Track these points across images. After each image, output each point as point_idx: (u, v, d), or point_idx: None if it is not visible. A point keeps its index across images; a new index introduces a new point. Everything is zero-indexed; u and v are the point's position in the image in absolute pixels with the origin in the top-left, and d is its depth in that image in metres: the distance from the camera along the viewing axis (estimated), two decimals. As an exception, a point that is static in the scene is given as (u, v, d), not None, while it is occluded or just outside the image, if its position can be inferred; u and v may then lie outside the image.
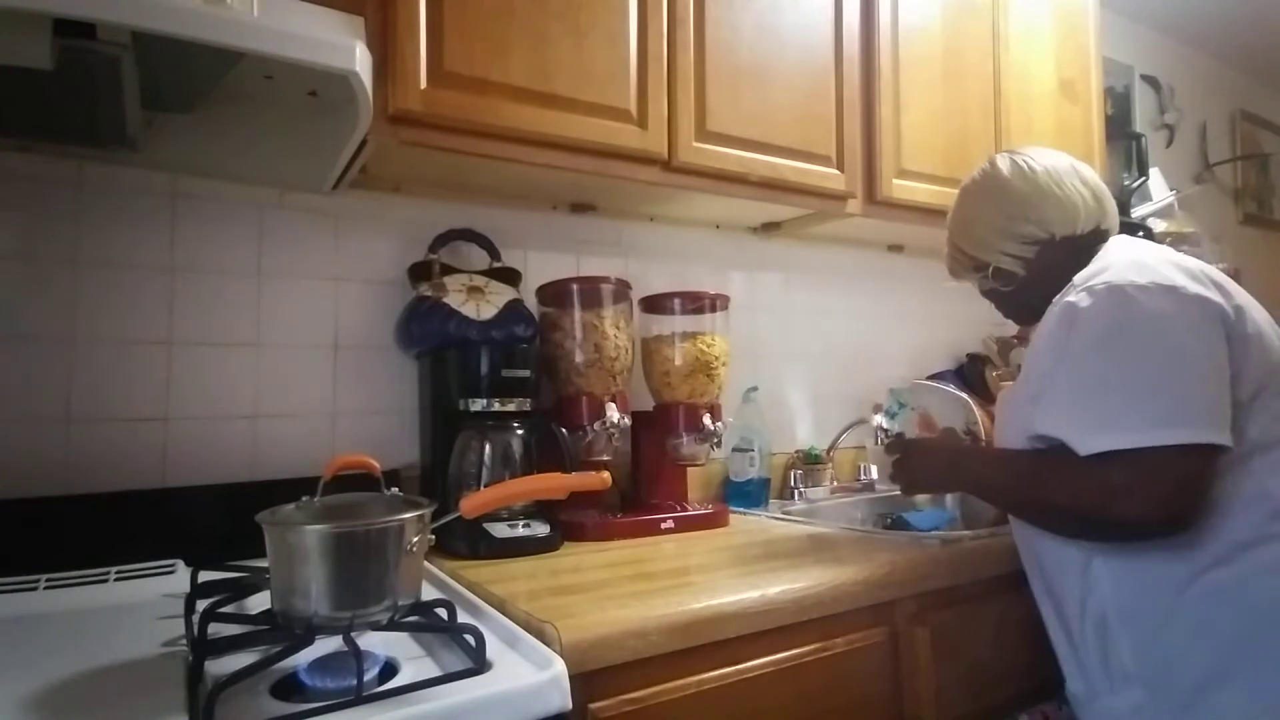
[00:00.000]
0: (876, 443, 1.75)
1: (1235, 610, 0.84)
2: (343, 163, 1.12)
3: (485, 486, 1.02)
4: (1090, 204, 1.04)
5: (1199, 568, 0.85)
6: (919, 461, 1.09)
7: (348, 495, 0.82)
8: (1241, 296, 0.91)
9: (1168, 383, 0.81)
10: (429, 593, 0.84)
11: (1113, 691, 0.92)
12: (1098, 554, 0.91)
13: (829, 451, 1.76)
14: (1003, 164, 1.08)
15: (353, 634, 0.67)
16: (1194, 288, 0.86)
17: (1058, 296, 0.96)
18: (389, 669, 0.70)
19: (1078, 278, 0.95)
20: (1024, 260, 1.05)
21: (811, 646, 0.92)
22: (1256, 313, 0.91)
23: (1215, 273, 0.92)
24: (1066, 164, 1.07)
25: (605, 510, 1.34)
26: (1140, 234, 1.12)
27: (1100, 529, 0.86)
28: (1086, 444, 0.83)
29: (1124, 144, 2.54)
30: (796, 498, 1.67)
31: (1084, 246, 1.02)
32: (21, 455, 1.04)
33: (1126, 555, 0.89)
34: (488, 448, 1.17)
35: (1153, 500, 0.79)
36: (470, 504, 0.78)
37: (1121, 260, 0.93)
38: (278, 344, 1.23)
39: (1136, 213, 2.09)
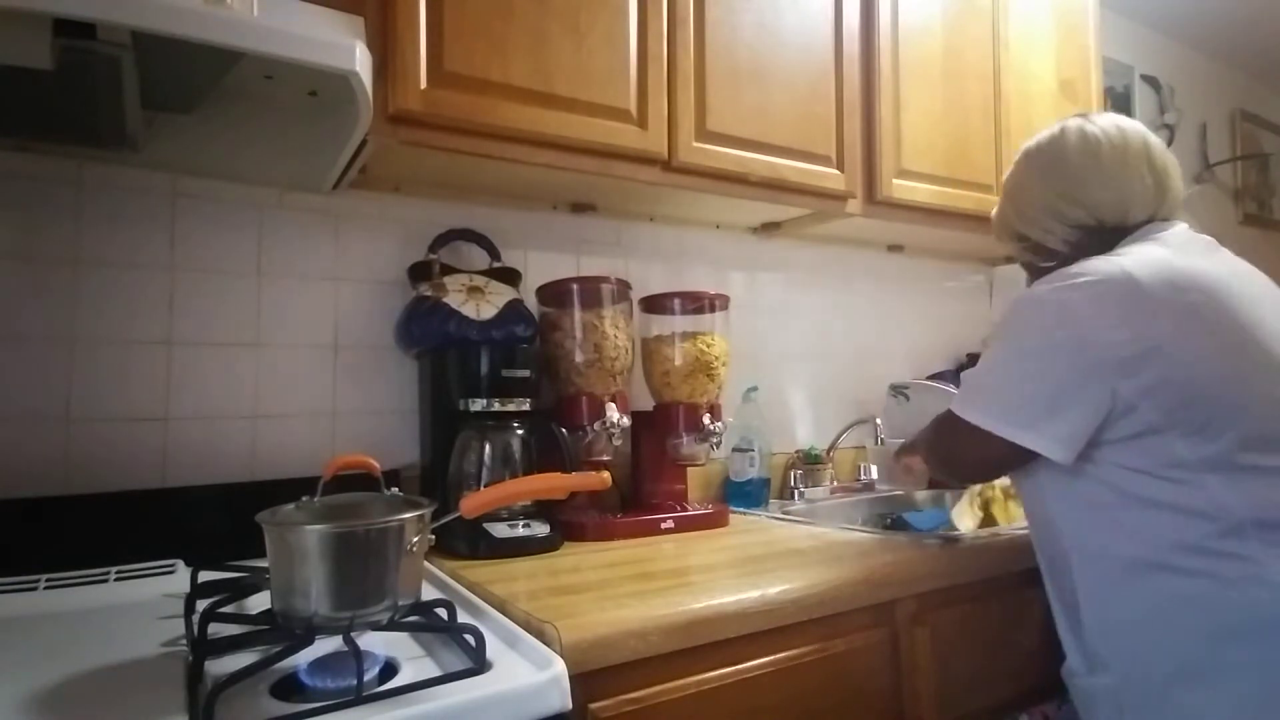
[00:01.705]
0: (876, 443, 1.76)
1: (1195, 617, 0.85)
2: (343, 163, 1.12)
3: (485, 486, 1.02)
4: (1149, 192, 0.97)
5: (1151, 565, 0.87)
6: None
7: (348, 495, 0.82)
8: (1197, 297, 0.87)
9: (1021, 386, 0.91)
10: (429, 593, 0.84)
11: (1091, 673, 0.95)
12: (1066, 537, 0.95)
13: (829, 451, 1.76)
14: (1071, 132, 1.02)
15: (353, 634, 0.67)
16: (1092, 310, 0.86)
17: None
18: (389, 669, 0.70)
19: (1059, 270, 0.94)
20: (1067, 242, 1.01)
21: (811, 646, 0.92)
22: (1231, 317, 0.86)
23: (1182, 279, 0.87)
24: (1140, 143, 0.99)
25: (605, 510, 1.34)
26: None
27: (940, 467, 1.11)
28: (957, 408, 0.97)
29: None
30: (796, 498, 1.67)
31: (1128, 235, 0.97)
32: (21, 455, 1.05)
33: (1087, 538, 0.93)
34: (488, 448, 1.17)
35: (972, 466, 1.04)
36: (470, 504, 0.78)
37: (1087, 265, 0.91)
38: (278, 344, 1.23)
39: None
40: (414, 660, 0.73)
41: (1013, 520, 1.40)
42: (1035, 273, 1.09)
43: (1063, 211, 1.00)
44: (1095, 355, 0.85)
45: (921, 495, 1.71)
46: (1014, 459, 0.93)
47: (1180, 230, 0.96)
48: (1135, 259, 0.90)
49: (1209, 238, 0.98)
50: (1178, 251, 0.92)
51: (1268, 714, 0.81)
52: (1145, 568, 0.87)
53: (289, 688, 0.67)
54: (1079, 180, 0.99)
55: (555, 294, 1.33)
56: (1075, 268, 0.91)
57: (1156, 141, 1.01)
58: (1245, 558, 0.82)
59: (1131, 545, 0.88)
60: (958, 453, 1.01)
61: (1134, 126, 1.01)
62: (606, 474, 0.86)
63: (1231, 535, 0.83)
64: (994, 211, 1.15)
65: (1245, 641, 0.82)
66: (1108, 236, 0.98)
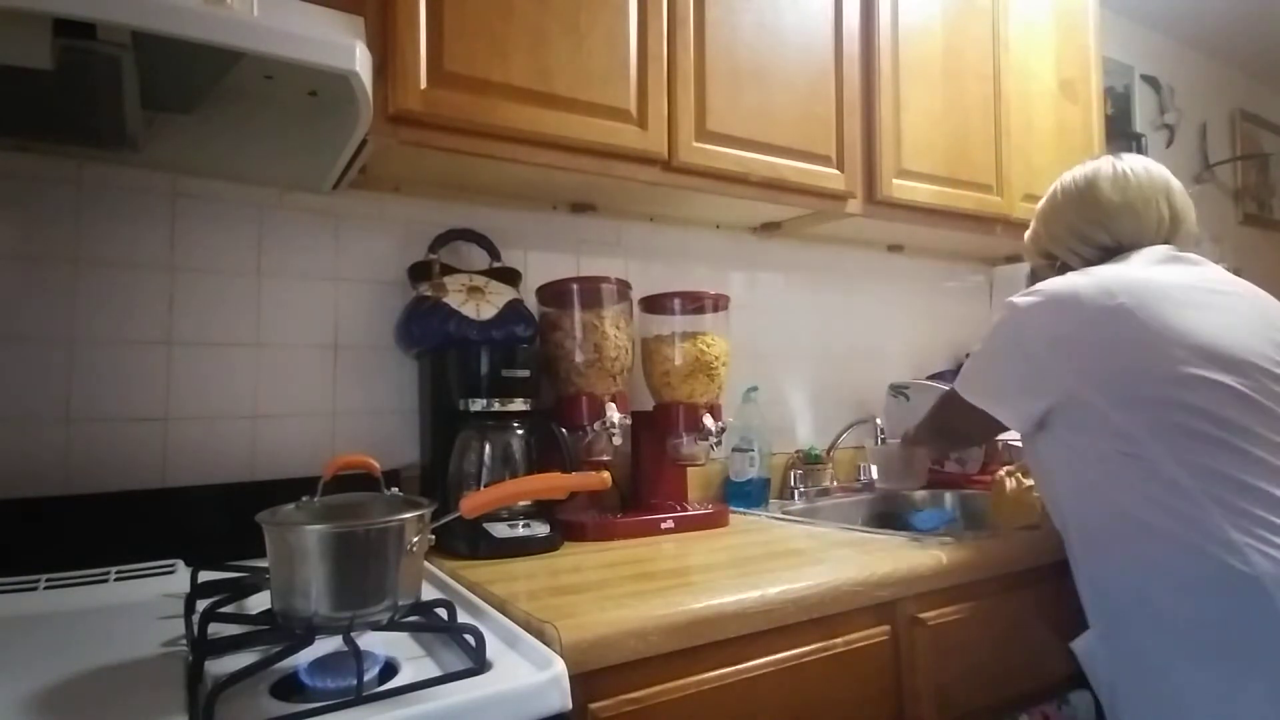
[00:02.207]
0: (877, 442, 1.76)
1: (1161, 570, 0.93)
2: (343, 163, 1.12)
3: (485, 486, 1.02)
4: (1164, 225, 1.11)
5: (1121, 526, 0.97)
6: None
7: (348, 495, 0.82)
8: (1129, 299, 0.98)
9: (985, 362, 1.11)
10: (429, 593, 0.84)
11: (1085, 631, 1.07)
12: (1061, 509, 1.08)
13: (829, 451, 1.76)
14: (1105, 169, 1.15)
15: (353, 634, 0.67)
16: (1050, 311, 1.01)
17: None
18: (389, 669, 0.70)
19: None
20: (1086, 260, 1.14)
21: (811, 646, 0.91)
22: (1147, 313, 0.96)
23: (1118, 286, 0.99)
24: (1163, 183, 1.13)
25: (605, 510, 1.34)
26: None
27: (936, 436, 1.33)
28: (956, 385, 1.15)
29: (1124, 144, 2.54)
30: (796, 498, 1.67)
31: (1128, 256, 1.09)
32: (21, 455, 1.05)
33: (1071, 507, 1.05)
34: (488, 448, 1.17)
35: (963, 430, 1.27)
36: (470, 504, 0.78)
37: (1064, 278, 1.06)
38: (278, 344, 1.23)
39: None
40: (414, 660, 0.73)
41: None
42: None
43: (1088, 235, 1.14)
44: (1031, 353, 1.03)
45: (921, 495, 1.71)
46: (991, 427, 1.14)
47: (1161, 249, 1.08)
48: (1096, 274, 1.04)
49: (1193, 255, 1.08)
50: (1143, 265, 1.05)
51: (1227, 663, 0.88)
52: (1116, 530, 0.98)
53: (289, 688, 0.67)
54: (1107, 210, 1.12)
55: (555, 294, 1.33)
56: (1041, 284, 1.06)
57: (1179, 186, 1.15)
58: (1199, 519, 0.90)
59: (1100, 509, 1.00)
60: (953, 421, 1.24)
61: (1160, 169, 1.15)
62: (606, 474, 0.86)
63: (1180, 496, 0.91)
64: (1026, 234, 1.28)
65: (1205, 595, 0.89)
66: (1120, 256, 1.10)
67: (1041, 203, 1.24)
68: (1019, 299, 1.06)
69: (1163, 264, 1.05)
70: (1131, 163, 1.15)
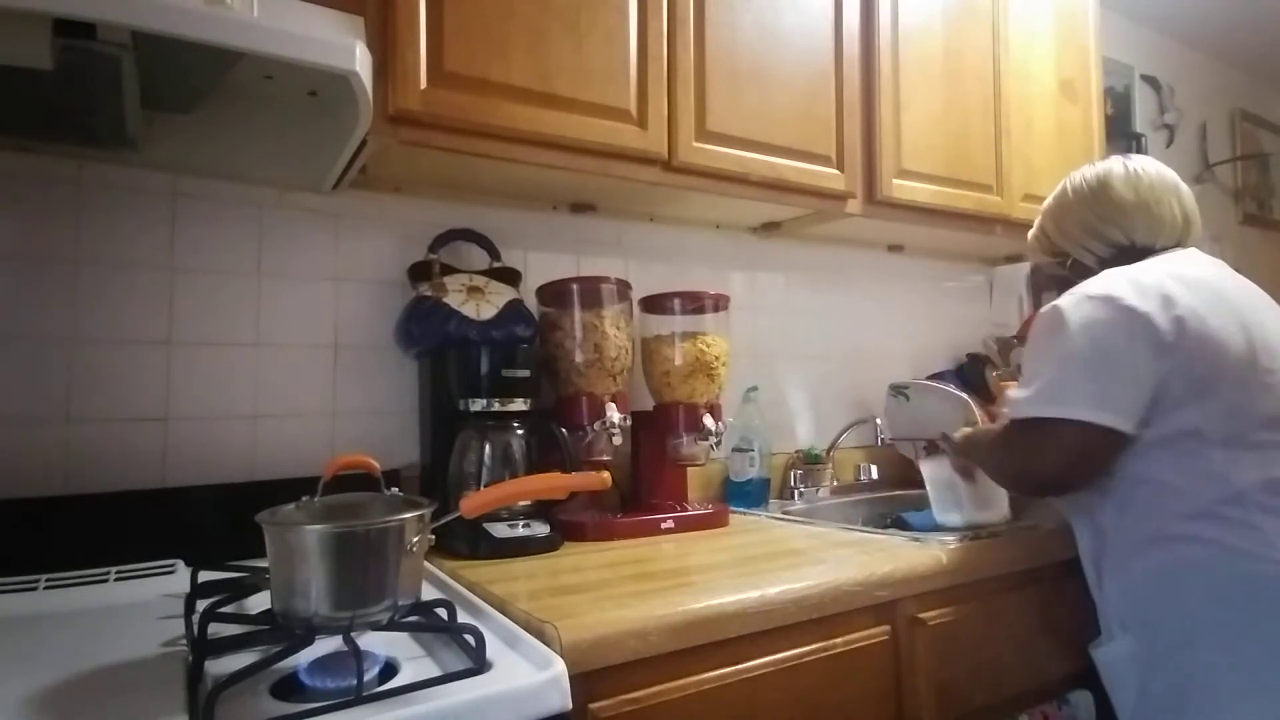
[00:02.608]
0: (877, 443, 1.76)
1: (1205, 579, 0.93)
2: (343, 163, 1.12)
3: (485, 486, 1.02)
4: (1177, 224, 1.12)
5: (1161, 535, 0.96)
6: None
7: (348, 495, 0.82)
8: (1199, 306, 0.97)
9: (1070, 372, 0.98)
10: (429, 593, 0.84)
11: (1113, 639, 1.03)
12: (1097, 515, 1.04)
13: (829, 451, 1.76)
14: (1116, 168, 1.15)
15: (353, 634, 0.67)
16: (1130, 301, 0.97)
17: None
18: (389, 669, 0.70)
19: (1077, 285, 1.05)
20: (1100, 259, 1.14)
21: (811, 646, 0.92)
22: (1201, 321, 0.96)
23: (1178, 285, 0.99)
24: (1173, 181, 1.14)
25: (605, 510, 1.34)
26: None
27: (1020, 481, 1.09)
28: (1017, 412, 1.02)
29: (1124, 144, 2.54)
30: (796, 498, 1.67)
31: (1148, 256, 1.09)
32: (21, 455, 1.04)
33: (1113, 517, 1.01)
34: (488, 448, 1.17)
35: (1052, 461, 0.99)
36: (470, 504, 0.78)
37: (1112, 274, 1.04)
38: (278, 344, 1.23)
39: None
40: (414, 660, 0.73)
41: None
42: (1067, 285, 1.18)
43: (1101, 233, 1.14)
44: (1140, 342, 0.96)
45: (921, 495, 1.70)
46: (1092, 444, 0.97)
47: (1193, 251, 1.11)
48: (1152, 273, 1.02)
49: (1217, 259, 1.11)
50: (1187, 265, 1.06)
51: (1270, 673, 0.88)
52: (1156, 540, 0.96)
53: (289, 688, 0.67)
54: (1119, 207, 1.12)
55: (555, 294, 1.33)
56: (1103, 280, 1.03)
57: (1186, 187, 1.16)
58: (1246, 524, 0.91)
59: (1143, 522, 0.98)
60: (1034, 457, 1.01)
61: (1168, 170, 1.16)
62: (606, 474, 0.86)
63: (1234, 503, 0.92)
64: (1030, 233, 1.27)
65: (1248, 603, 0.90)
66: (1136, 255, 1.10)
67: (1049, 201, 1.24)
68: (1083, 293, 1.02)
69: (1202, 266, 1.06)
70: (1141, 163, 1.15)
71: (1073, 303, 1.02)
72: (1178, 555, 0.95)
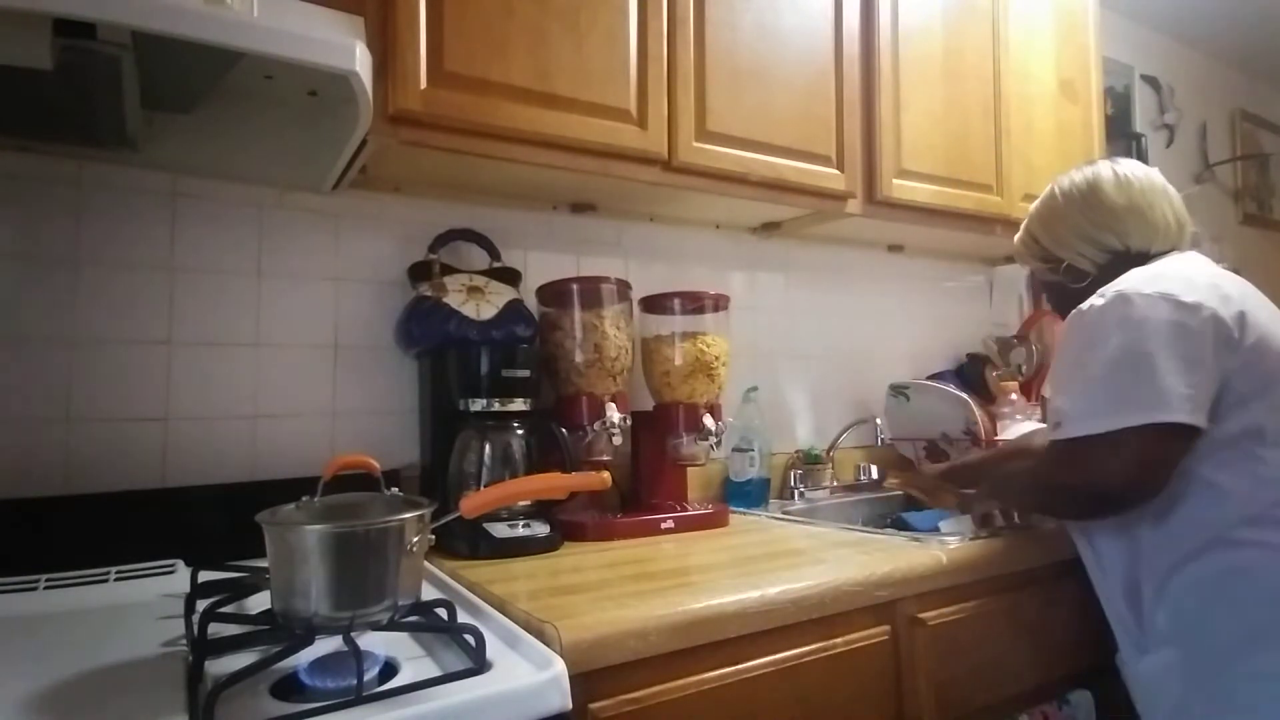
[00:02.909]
0: (877, 443, 1.76)
1: (1262, 582, 0.91)
2: (343, 163, 1.12)
3: (485, 486, 1.02)
4: (1171, 229, 1.11)
5: (1214, 540, 0.93)
6: (967, 478, 1.26)
7: (348, 495, 0.82)
8: (1248, 303, 0.98)
9: (1135, 375, 0.93)
10: (429, 593, 0.84)
11: (1150, 651, 1.00)
12: (1133, 526, 0.99)
13: (829, 451, 1.76)
14: (1104, 171, 1.14)
15: (353, 634, 0.67)
16: (1190, 297, 0.95)
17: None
18: (389, 669, 0.70)
19: (1105, 286, 1.02)
20: (1093, 263, 1.12)
21: (811, 646, 0.92)
22: (1259, 320, 0.96)
23: (1226, 282, 0.99)
24: (1161, 186, 1.13)
25: (605, 510, 1.34)
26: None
27: (1090, 501, 0.98)
28: (1072, 429, 0.97)
29: (1124, 144, 2.54)
30: (796, 498, 1.67)
31: (1145, 260, 1.08)
32: (21, 455, 1.04)
33: (1153, 525, 0.97)
34: (488, 448, 1.17)
35: (1121, 472, 0.92)
36: (470, 504, 0.78)
37: (1146, 273, 1.02)
38: (278, 344, 1.23)
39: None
40: (414, 660, 0.73)
41: None
42: (1061, 290, 1.19)
43: (1096, 238, 1.12)
44: (1210, 338, 0.93)
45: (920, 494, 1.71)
46: (1167, 445, 0.91)
47: (1195, 254, 1.10)
48: (1188, 268, 1.01)
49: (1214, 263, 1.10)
50: (1207, 266, 1.04)
51: None
52: (1209, 546, 0.94)
53: (289, 688, 0.67)
54: (1112, 212, 1.11)
55: (555, 294, 1.33)
56: (1145, 279, 0.99)
57: (1174, 190, 1.15)
58: None
59: (1191, 528, 0.95)
60: (1092, 476, 0.94)
61: (1155, 172, 1.15)
62: (606, 474, 0.86)
63: None
64: (1018, 238, 1.25)
65: None
66: (1133, 261, 1.08)
67: (1037, 206, 1.21)
68: (1143, 295, 0.96)
69: (1215, 268, 1.05)
70: (1129, 167, 1.14)
71: (1119, 302, 0.97)
72: (1229, 561, 0.92)
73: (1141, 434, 0.91)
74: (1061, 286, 1.17)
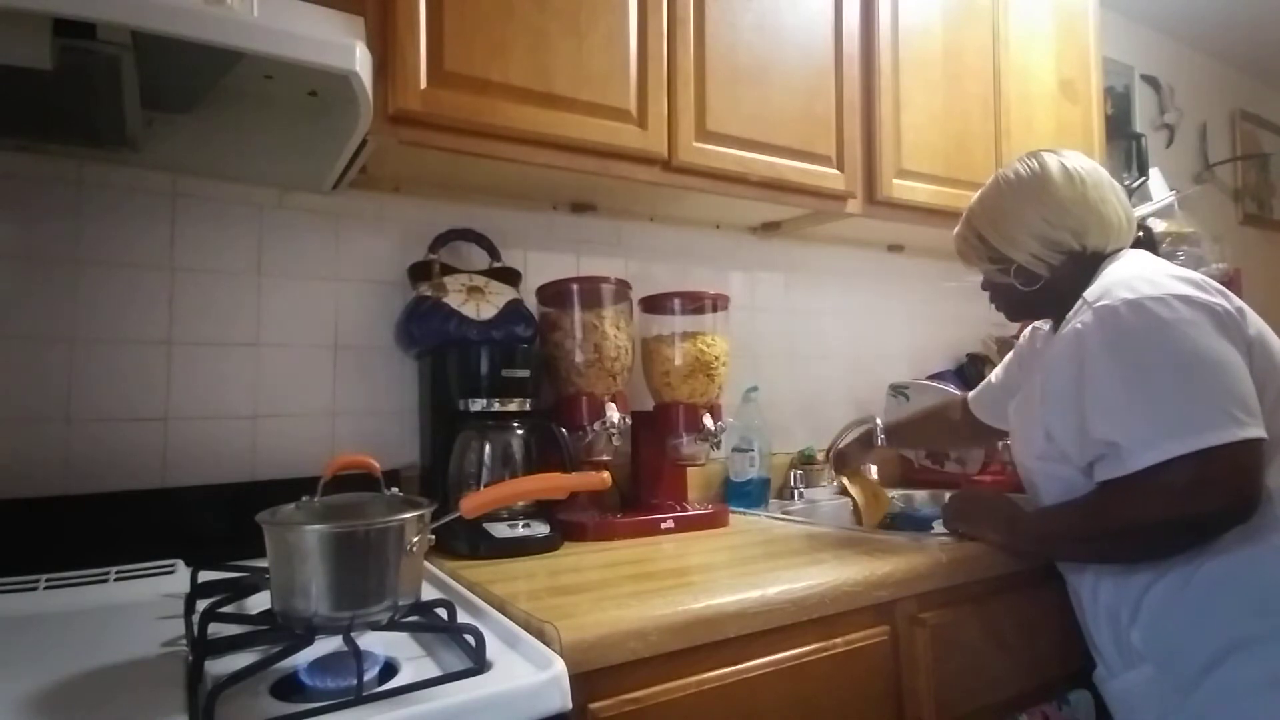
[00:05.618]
0: (877, 444, 1.76)
1: (1236, 592, 0.89)
2: (343, 163, 1.12)
3: (485, 486, 1.02)
4: (1124, 226, 1.06)
5: (1200, 559, 0.90)
6: (975, 511, 1.16)
7: (348, 495, 0.82)
8: (1236, 300, 0.94)
9: (1205, 386, 0.86)
10: (429, 593, 0.84)
11: (1127, 669, 0.98)
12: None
13: (829, 452, 1.76)
14: (1052, 165, 1.06)
15: (353, 634, 0.67)
16: (1202, 295, 0.91)
17: (1071, 314, 0.99)
18: (389, 669, 0.70)
19: (1089, 294, 0.97)
20: (1048, 264, 1.05)
21: (811, 646, 0.91)
22: (1252, 314, 0.95)
23: (1210, 280, 0.95)
24: (1107, 179, 1.07)
25: (605, 510, 1.34)
26: (1140, 234, 1.12)
27: (1175, 534, 0.89)
28: (1147, 457, 0.87)
29: (1124, 144, 2.54)
30: (796, 498, 1.67)
31: (1100, 261, 1.04)
32: (21, 455, 1.05)
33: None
34: (488, 448, 1.17)
35: (1221, 494, 0.84)
36: (470, 504, 0.78)
37: (1127, 275, 0.95)
38: (277, 344, 1.23)
39: (1137, 213, 2.09)
40: (414, 660, 0.73)
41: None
42: (1010, 294, 1.12)
43: (1049, 235, 1.04)
44: (1236, 339, 0.89)
45: (921, 495, 1.71)
46: (1252, 456, 0.84)
47: (1147, 254, 1.05)
48: (1141, 266, 0.97)
49: None
50: (1171, 265, 0.99)
51: None
52: (1187, 557, 0.91)
53: (289, 688, 0.67)
54: (1063, 208, 1.04)
55: (555, 294, 1.33)
56: (1144, 279, 0.93)
57: (1117, 183, 1.09)
58: (1274, 526, 0.87)
59: None
60: (1184, 505, 0.85)
61: (1095, 163, 1.08)
62: (606, 474, 0.86)
63: (1263, 503, 0.86)
64: (958, 233, 1.15)
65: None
66: (1088, 261, 1.04)
67: (978, 205, 1.12)
68: (1156, 299, 0.90)
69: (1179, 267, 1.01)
70: (1076, 160, 1.07)
71: (1141, 311, 0.90)
72: (1206, 571, 0.89)
73: (1232, 446, 0.83)
74: (1011, 289, 1.09)
